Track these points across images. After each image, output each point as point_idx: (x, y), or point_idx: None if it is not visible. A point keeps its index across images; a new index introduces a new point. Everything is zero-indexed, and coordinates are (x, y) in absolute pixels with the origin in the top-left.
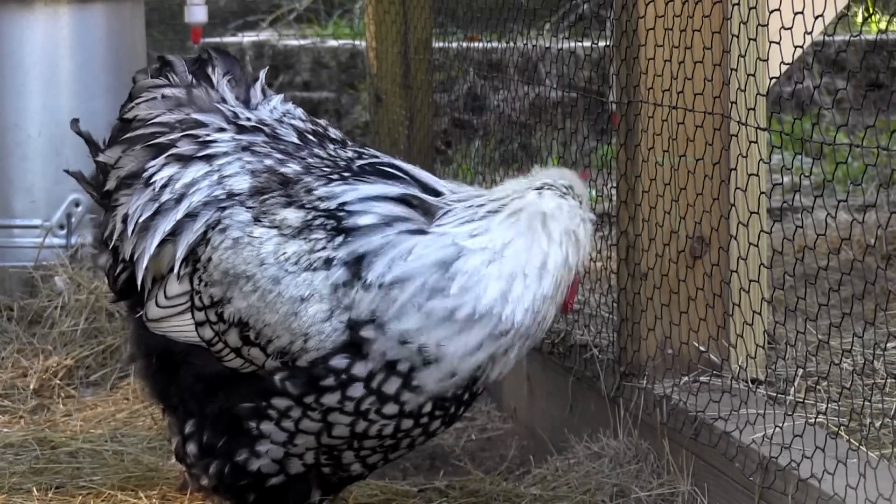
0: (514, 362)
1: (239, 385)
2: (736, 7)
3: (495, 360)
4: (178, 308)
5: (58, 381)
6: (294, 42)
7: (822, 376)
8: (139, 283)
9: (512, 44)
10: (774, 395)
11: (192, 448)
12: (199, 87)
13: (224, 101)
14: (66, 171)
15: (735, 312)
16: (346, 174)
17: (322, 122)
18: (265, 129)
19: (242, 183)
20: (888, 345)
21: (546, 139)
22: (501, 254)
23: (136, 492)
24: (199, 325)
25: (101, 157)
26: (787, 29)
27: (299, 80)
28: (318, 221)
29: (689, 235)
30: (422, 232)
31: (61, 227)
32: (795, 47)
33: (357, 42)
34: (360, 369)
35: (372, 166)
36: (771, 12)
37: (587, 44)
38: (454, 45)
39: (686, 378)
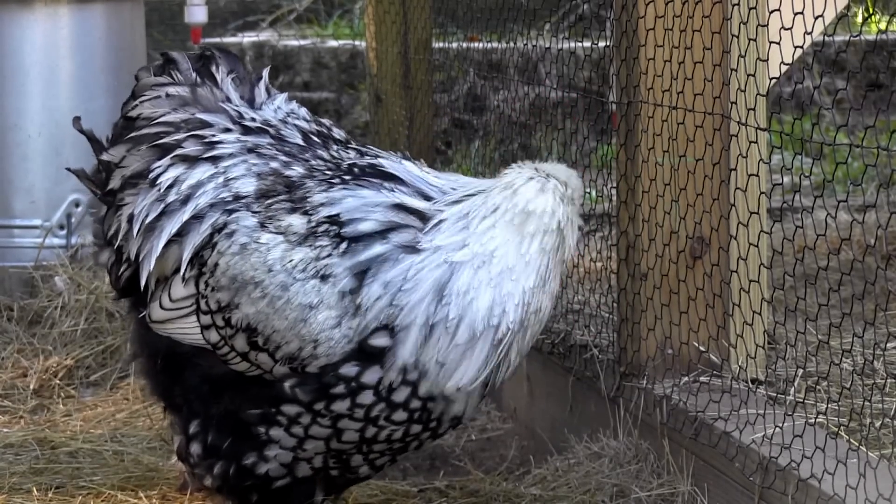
0: (517, 360)
1: (245, 388)
2: (736, 7)
3: (500, 366)
4: (182, 311)
5: (58, 381)
6: (294, 42)
7: (822, 376)
8: (142, 283)
9: (512, 44)
10: (774, 395)
11: (196, 448)
12: (204, 85)
13: (229, 100)
14: (68, 169)
15: (735, 312)
16: (346, 177)
17: (326, 121)
18: (270, 129)
19: (248, 186)
20: (888, 345)
21: (546, 139)
22: (490, 257)
23: (136, 492)
24: (204, 328)
25: (104, 156)
26: (787, 29)
27: (299, 80)
28: (321, 228)
29: (689, 235)
30: (415, 248)
31: (61, 228)
32: (795, 47)
33: (357, 42)
34: (369, 377)
35: (373, 167)
36: (771, 12)
37: (587, 44)
38: (454, 45)
39: (686, 378)
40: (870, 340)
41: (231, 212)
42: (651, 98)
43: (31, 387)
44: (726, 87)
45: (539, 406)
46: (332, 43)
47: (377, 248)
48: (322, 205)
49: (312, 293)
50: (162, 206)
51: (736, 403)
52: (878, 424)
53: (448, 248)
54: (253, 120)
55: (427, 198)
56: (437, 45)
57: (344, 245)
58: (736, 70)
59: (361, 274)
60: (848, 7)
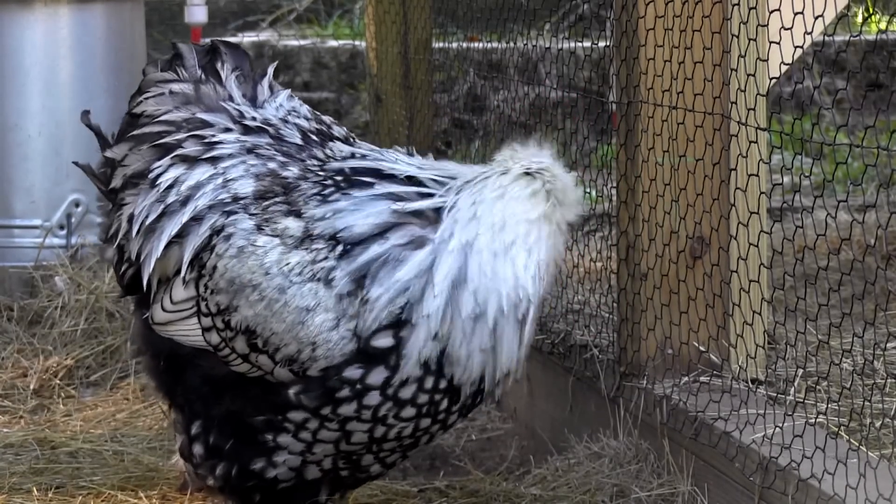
0: (517, 345)
1: (247, 389)
2: (736, 7)
3: (498, 347)
4: (184, 313)
5: (58, 381)
6: (294, 42)
7: (822, 376)
8: (145, 283)
9: (512, 44)
10: (774, 395)
11: (198, 448)
12: (208, 83)
13: (231, 98)
14: (75, 163)
15: (735, 312)
16: (338, 178)
17: (327, 119)
18: (269, 129)
19: (246, 187)
20: (888, 345)
21: (546, 139)
22: (501, 236)
23: (136, 492)
24: (205, 330)
25: (108, 153)
26: (787, 29)
27: (299, 80)
28: (317, 231)
29: (689, 235)
30: (421, 244)
31: (61, 228)
32: (795, 47)
33: (357, 42)
34: (374, 379)
35: (368, 166)
36: (771, 12)
37: (587, 44)
38: (454, 45)
39: (686, 378)
40: (870, 340)
41: (229, 214)
42: (651, 98)
43: (31, 387)
44: (726, 87)
45: (539, 406)
46: (332, 43)
47: (375, 250)
48: (316, 207)
49: (309, 296)
50: (162, 207)
51: (736, 403)
52: (878, 424)
53: (457, 236)
54: (253, 119)
55: (426, 192)
56: (437, 45)
57: (340, 248)
58: (736, 70)
59: (360, 276)
60: (848, 7)
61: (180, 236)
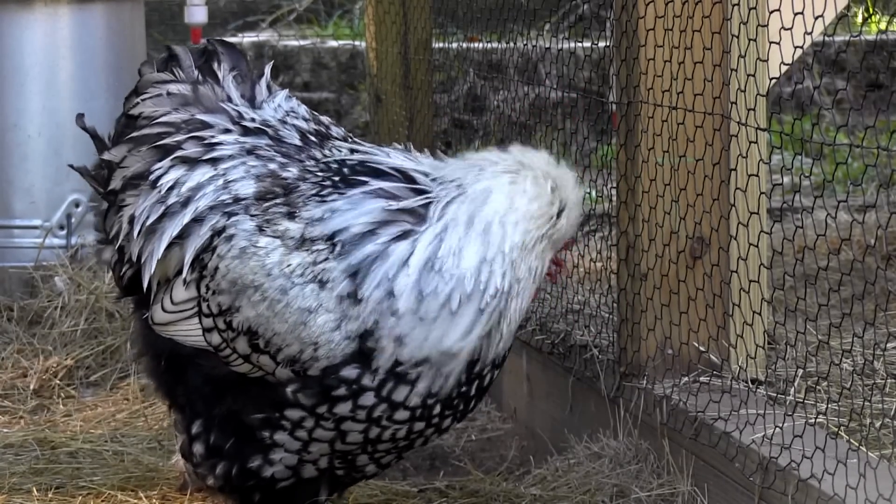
0: (505, 335)
1: (247, 389)
2: (736, 7)
3: (490, 335)
4: (185, 313)
5: (58, 382)
6: (294, 42)
7: (822, 376)
8: (145, 284)
9: (512, 44)
10: (774, 395)
11: (198, 448)
12: (205, 83)
13: (230, 99)
14: (70, 166)
15: (735, 313)
16: (336, 178)
17: (325, 119)
18: (269, 130)
19: (247, 188)
20: (888, 345)
21: (546, 140)
22: (477, 225)
23: (136, 492)
24: (206, 330)
25: (106, 155)
26: (787, 29)
27: (299, 80)
28: (316, 231)
29: (689, 236)
30: (406, 236)
31: (61, 228)
32: (795, 47)
33: (357, 42)
34: (369, 379)
35: (363, 165)
36: (771, 12)
37: (587, 44)
38: (454, 45)
39: (686, 378)
40: (870, 340)
41: (230, 215)
42: (651, 98)
43: (31, 387)
44: (726, 87)
45: (539, 406)
46: (332, 43)
47: (368, 248)
48: (314, 207)
49: (311, 297)
50: (163, 208)
51: (736, 403)
52: (878, 424)
53: (438, 223)
54: (252, 120)
55: (419, 189)
56: (437, 45)
57: (339, 248)
58: (736, 70)
59: (355, 275)
60: (848, 7)
61: (181, 237)
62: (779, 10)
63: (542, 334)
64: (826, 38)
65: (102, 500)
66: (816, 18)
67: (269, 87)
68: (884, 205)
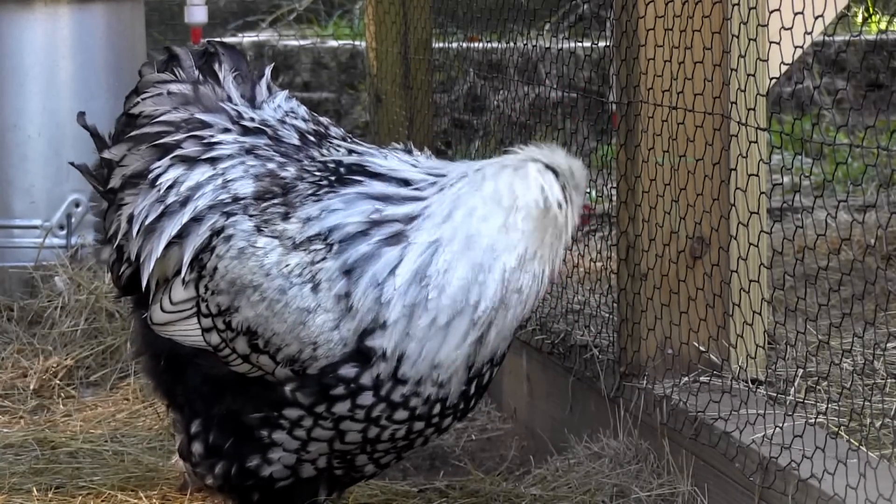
0: (497, 340)
1: (246, 388)
2: (736, 7)
3: (481, 343)
4: (184, 313)
5: (58, 382)
6: (294, 42)
7: (822, 376)
8: (144, 284)
9: (512, 44)
10: (774, 395)
11: (197, 447)
12: (206, 83)
13: (230, 98)
14: (71, 164)
15: (735, 312)
16: (332, 178)
17: (324, 119)
18: (268, 130)
19: (246, 187)
20: (888, 345)
21: (546, 139)
22: (471, 237)
23: (136, 492)
24: (205, 330)
25: (106, 154)
26: (787, 29)
27: (299, 80)
28: (312, 231)
29: (689, 235)
30: (397, 240)
31: (61, 228)
32: (795, 47)
33: (357, 42)
34: (367, 378)
35: (359, 165)
36: (771, 12)
37: (587, 44)
38: (454, 45)
39: (686, 378)
40: (870, 340)
41: (229, 214)
42: (651, 98)
43: (31, 387)
44: (726, 87)
45: (539, 406)
46: (332, 43)
47: (362, 248)
48: (311, 206)
49: (309, 297)
50: (162, 207)
51: (736, 403)
52: (878, 424)
53: (430, 233)
54: (252, 120)
55: (413, 189)
56: (437, 45)
57: (335, 248)
58: (736, 70)
59: (349, 274)
60: (848, 7)
61: (180, 237)
62: (779, 9)
63: (542, 334)
64: (826, 38)
65: (102, 500)
66: (816, 18)
67: (269, 88)
68: (884, 205)
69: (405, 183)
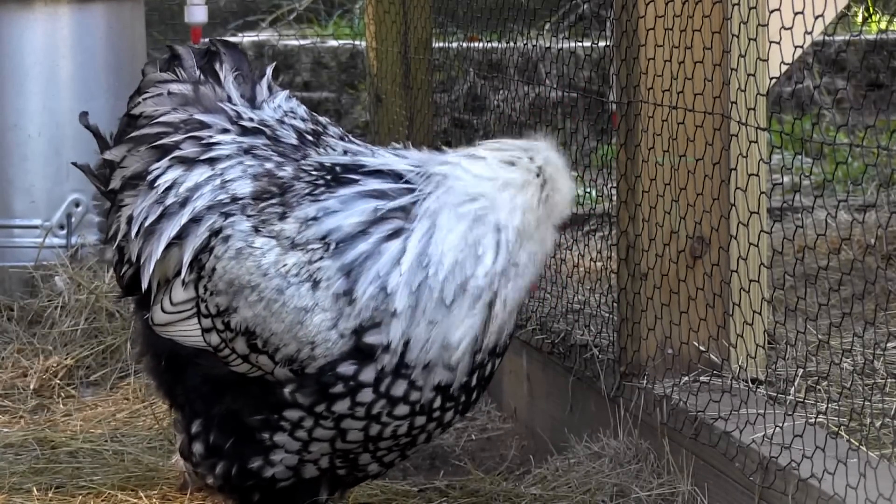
0: (508, 313)
1: (246, 389)
2: (736, 7)
3: (487, 324)
4: (184, 314)
5: (58, 381)
6: (294, 42)
7: (822, 376)
8: (144, 285)
9: (512, 44)
10: (774, 395)
11: (198, 447)
12: (207, 83)
13: (229, 99)
14: (74, 164)
15: (735, 312)
16: (328, 177)
17: (324, 119)
18: (266, 130)
19: (244, 188)
20: (888, 345)
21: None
22: (466, 216)
23: (136, 492)
24: (205, 331)
25: (107, 154)
26: (787, 29)
27: (299, 80)
28: (310, 231)
29: (689, 235)
30: (397, 234)
31: (61, 228)
32: (795, 47)
33: (357, 42)
34: (367, 375)
35: (357, 165)
36: (771, 12)
37: (587, 44)
38: (454, 45)
39: (686, 378)
40: (870, 340)
41: (227, 215)
42: (651, 98)
43: (31, 387)
44: (726, 87)
45: (539, 406)
46: (332, 43)
47: (361, 247)
48: (309, 207)
49: (307, 296)
50: (161, 208)
51: (736, 403)
52: (878, 424)
53: (426, 219)
54: (251, 120)
55: (409, 186)
56: (437, 45)
57: (332, 247)
58: (736, 70)
59: (350, 274)
60: (848, 7)
61: (179, 238)
62: (779, 9)
63: (543, 334)
64: (826, 38)
65: (102, 500)
66: (816, 18)
67: (269, 88)
68: (884, 204)
69: (398, 177)
